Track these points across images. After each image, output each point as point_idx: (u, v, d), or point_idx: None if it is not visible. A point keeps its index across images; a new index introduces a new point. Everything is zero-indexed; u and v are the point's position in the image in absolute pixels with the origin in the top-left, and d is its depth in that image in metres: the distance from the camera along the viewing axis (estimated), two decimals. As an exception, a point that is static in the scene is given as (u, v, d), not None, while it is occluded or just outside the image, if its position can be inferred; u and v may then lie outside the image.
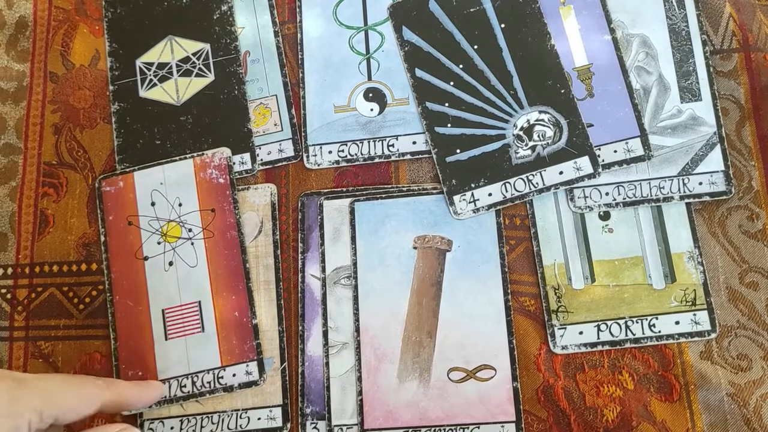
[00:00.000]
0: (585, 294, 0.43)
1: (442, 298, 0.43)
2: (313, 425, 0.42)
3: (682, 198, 0.43)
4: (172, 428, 0.43)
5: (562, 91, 0.45)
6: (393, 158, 0.46)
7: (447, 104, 0.45)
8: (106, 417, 0.44)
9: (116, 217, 0.46)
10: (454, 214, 0.44)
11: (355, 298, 0.43)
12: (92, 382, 0.36)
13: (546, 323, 0.42)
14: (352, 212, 0.45)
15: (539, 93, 0.45)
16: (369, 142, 0.46)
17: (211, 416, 0.43)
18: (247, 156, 0.46)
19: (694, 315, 0.42)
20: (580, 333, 0.42)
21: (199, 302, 0.44)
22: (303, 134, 0.47)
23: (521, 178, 0.44)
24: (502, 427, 0.41)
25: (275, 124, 0.47)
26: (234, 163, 0.46)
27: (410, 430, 0.41)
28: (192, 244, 0.45)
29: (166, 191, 0.46)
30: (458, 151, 0.45)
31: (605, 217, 0.44)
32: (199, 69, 0.48)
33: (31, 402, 0.32)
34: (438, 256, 0.44)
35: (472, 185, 0.44)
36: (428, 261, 0.44)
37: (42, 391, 0.33)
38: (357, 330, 0.43)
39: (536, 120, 0.44)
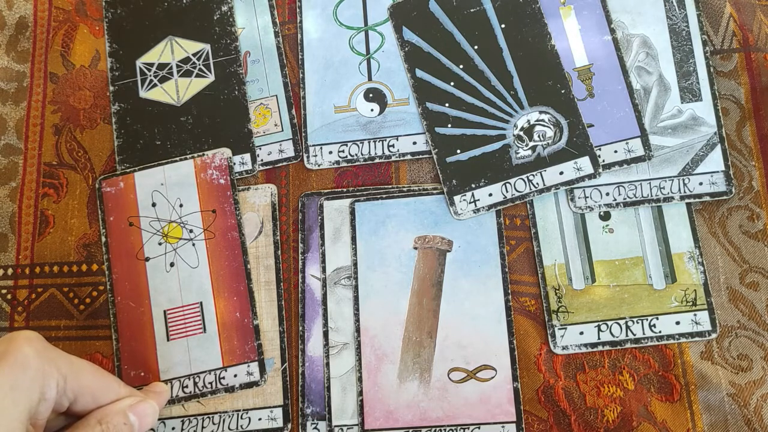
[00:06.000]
0: (585, 294, 0.43)
1: (443, 298, 0.43)
2: (314, 426, 0.42)
3: (682, 198, 0.43)
4: (173, 429, 0.43)
5: (563, 91, 0.45)
6: (393, 158, 0.46)
7: (447, 104, 0.45)
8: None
9: (117, 217, 0.46)
10: (455, 215, 0.44)
11: (356, 299, 0.43)
12: (113, 376, 0.36)
13: (546, 323, 0.42)
14: (352, 212, 0.45)
15: (539, 93, 0.45)
16: (369, 142, 0.46)
17: (212, 416, 0.43)
18: (247, 156, 0.46)
19: (695, 315, 0.42)
20: (581, 333, 0.42)
21: (201, 303, 0.44)
22: (303, 134, 0.47)
23: (521, 179, 0.44)
24: (503, 427, 0.41)
25: (275, 125, 0.47)
26: (234, 164, 0.46)
27: (411, 430, 0.41)
28: (193, 245, 0.45)
29: (167, 192, 0.46)
30: (458, 151, 0.45)
31: (606, 217, 0.44)
32: (200, 69, 0.48)
33: (61, 366, 0.32)
34: (438, 256, 0.44)
35: (473, 185, 0.44)
36: (428, 261, 0.44)
37: (71, 364, 0.33)
38: (357, 330, 0.43)
39: (536, 120, 0.44)
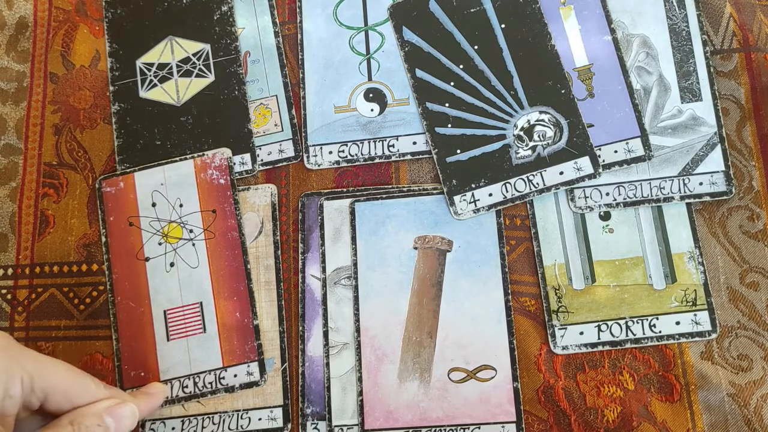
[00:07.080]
0: (585, 294, 0.43)
1: (443, 298, 0.43)
2: (314, 426, 0.42)
3: (682, 198, 0.43)
4: (173, 429, 0.43)
5: (563, 91, 0.45)
6: (393, 158, 0.46)
7: (447, 104, 0.45)
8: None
9: (117, 217, 0.46)
10: (455, 215, 0.44)
11: (356, 299, 0.43)
12: (91, 377, 0.36)
13: (546, 323, 0.42)
14: (352, 212, 0.45)
15: (539, 93, 0.45)
16: (369, 142, 0.46)
17: (212, 417, 0.43)
18: (247, 156, 0.46)
19: (695, 315, 0.42)
20: (581, 333, 0.42)
21: (201, 303, 0.44)
22: (303, 134, 0.47)
23: (521, 179, 0.44)
24: (503, 427, 0.41)
25: (275, 125, 0.47)
26: (234, 164, 0.46)
27: (411, 430, 0.41)
28: (193, 245, 0.45)
29: (167, 192, 0.46)
30: (458, 151, 0.45)
31: (606, 217, 0.44)
32: (200, 69, 0.48)
33: (26, 364, 0.32)
34: (438, 256, 0.44)
35: (473, 185, 0.44)
36: (428, 261, 0.44)
37: (37, 361, 0.33)
38: (357, 330, 0.43)
39: (536, 120, 0.44)
